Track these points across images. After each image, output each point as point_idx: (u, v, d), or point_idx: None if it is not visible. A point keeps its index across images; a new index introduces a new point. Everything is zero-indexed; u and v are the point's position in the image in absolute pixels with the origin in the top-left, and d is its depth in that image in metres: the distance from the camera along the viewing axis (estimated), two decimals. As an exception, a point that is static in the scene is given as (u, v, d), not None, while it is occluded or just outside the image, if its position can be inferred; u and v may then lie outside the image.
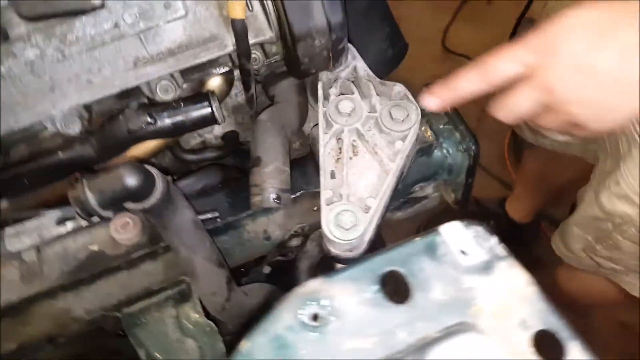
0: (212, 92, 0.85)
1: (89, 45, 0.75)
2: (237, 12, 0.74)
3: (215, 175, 0.96)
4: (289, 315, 0.50)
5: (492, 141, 2.20)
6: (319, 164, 0.85)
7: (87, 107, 0.80)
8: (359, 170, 0.84)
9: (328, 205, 0.79)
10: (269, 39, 0.81)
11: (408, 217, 1.14)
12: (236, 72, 0.94)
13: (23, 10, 0.70)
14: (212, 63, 0.83)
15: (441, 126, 0.99)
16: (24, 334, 0.91)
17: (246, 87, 0.88)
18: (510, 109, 0.70)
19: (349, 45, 0.90)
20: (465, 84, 0.71)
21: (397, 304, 0.50)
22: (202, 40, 0.78)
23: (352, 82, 0.91)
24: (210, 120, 0.83)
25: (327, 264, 0.96)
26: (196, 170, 0.97)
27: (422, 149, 0.98)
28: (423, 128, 0.97)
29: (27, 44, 0.73)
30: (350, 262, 0.82)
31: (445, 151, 0.99)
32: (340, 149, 0.85)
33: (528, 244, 2.03)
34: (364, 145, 0.85)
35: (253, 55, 0.83)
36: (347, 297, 0.50)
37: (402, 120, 0.84)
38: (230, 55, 0.83)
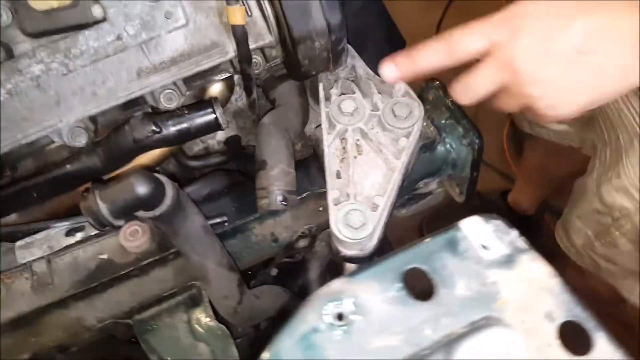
0: (215, 99, 0.86)
1: (93, 58, 0.75)
2: (237, 18, 0.75)
3: (220, 180, 0.97)
4: (314, 316, 0.50)
5: (491, 133, 2.21)
6: (322, 164, 0.86)
7: (93, 119, 0.81)
8: (365, 169, 0.84)
9: (336, 205, 0.80)
10: (269, 43, 0.82)
11: (412, 213, 1.15)
12: (236, 77, 0.95)
13: (27, 27, 0.71)
14: (214, 70, 0.84)
15: (443, 121, 0.99)
16: (36, 344, 0.92)
17: (248, 91, 0.88)
18: (470, 88, 0.70)
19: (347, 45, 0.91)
20: (430, 55, 0.71)
21: (421, 300, 0.50)
22: (204, 47, 0.79)
23: (352, 81, 0.92)
24: (214, 126, 0.84)
25: (336, 264, 0.97)
26: (201, 176, 0.98)
27: (425, 145, 0.98)
28: (425, 124, 0.98)
29: (32, 60, 0.73)
30: (360, 260, 0.83)
31: (448, 146, 1.00)
32: (344, 148, 0.86)
33: (532, 236, 2.04)
34: (368, 144, 0.86)
35: (254, 60, 0.84)
36: (371, 296, 0.51)
37: (405, 117, 0.85)
38: (231, 61, 0.83)
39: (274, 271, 1.05)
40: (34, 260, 0.91)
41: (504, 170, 2.23)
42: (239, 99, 1.00)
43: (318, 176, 0.96)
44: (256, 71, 0.85)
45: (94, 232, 0.92)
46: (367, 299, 0.51)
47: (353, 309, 0.51)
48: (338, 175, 0.84)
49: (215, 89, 0.92)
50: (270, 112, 0.92)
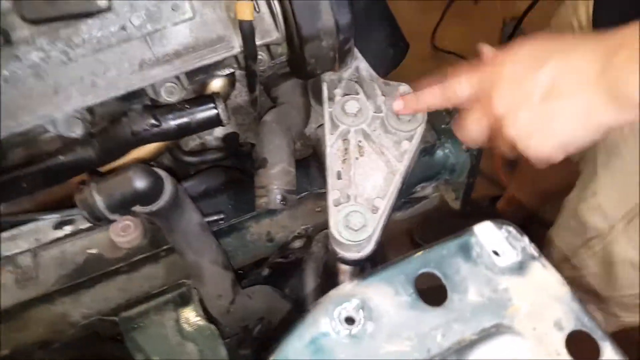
0: (217, 94, 0.84)
1: (95, 48, 0.73)
2: (246, 13, 0.73)
3: (217, 177, 0.95)
4: (324, 319, 0.49)
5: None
6: (323, 164, 0.85)
7: (90, 110, 0.78)
8: (366, 170, 0.84)
9: (336, 206, 0.79)
10: (276, 40, 0.80)
11: (407, 217, 1.14)
12: (237, 74, 0.93)
13: (26, 13, 0.68)
14: (218, 65, 0.82)
15: (443, 126, 0.99)
16: (17, 340, 0.89)
17: (251, 88, 0.87)
18: (464, 130, 0.77)
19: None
20: (430, 98, 0.80)
21: (433, 306, 0.49)
22: (209, 41, 0.77)
23: (356, 82, 0.91)
24: (215, 122, 0.82)
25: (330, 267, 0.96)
26: (198, 172, 0.96)
27: (425, 149, 0.98)
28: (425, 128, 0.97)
29: (31, 47, 0.70)
30: (356, 263, 0.82)
31: (447, 151, 1.00)
32: (346, 149, 0.85)
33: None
34: (370, 145, 0.85)
35: (259, 57, 0.82)
36: (382, 300, 0.50)
37: (409, 120, 0.85)
38: (236, 57, 0.81)
39: (266, 271, 1.04)
40: (19, 253, 0.89)
41: (491, 175, 2.23)
42: (239, 95, 0.98)
43: (317, 176, 0.95)
44: (261, 68, 0.84)
45: (84, 225, 0.90)
46: (378, 304, 0.50)
47: (364, 313, 0.50)
48: (339, 176, 0.83)
49: (217, 84, 0.90)
50: (272, 109, 0.90)
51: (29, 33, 0.71)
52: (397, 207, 1.08)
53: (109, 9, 0.71)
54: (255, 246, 0.94)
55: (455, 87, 0.75)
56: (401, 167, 0.82)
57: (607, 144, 1.07)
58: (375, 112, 0.86)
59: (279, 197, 0.82)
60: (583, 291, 1.25)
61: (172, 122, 0.81)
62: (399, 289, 0.51)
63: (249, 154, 1.02)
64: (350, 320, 0.50)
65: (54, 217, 0.91)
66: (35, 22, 0.70)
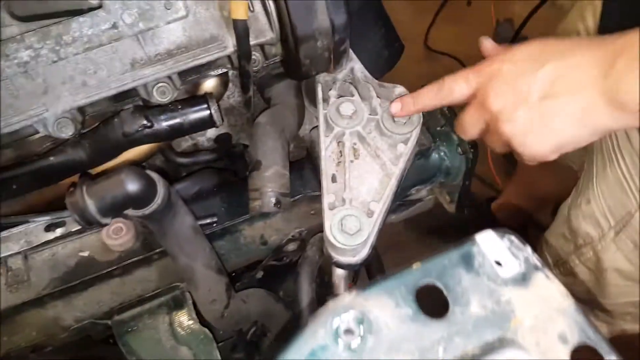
0: (210, 94, 0.83)
1: (85, 47, 0.71)
2: (240, 12, 0.72)
3: (210, 178, 0.94)
4: (323, 331, 0.48)
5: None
6: (318, 167, 0.84)
7: (81, 110, 0.77)
8: (361, 173, 0.82)
9: (331, 210, 0.78)
10: (270, 40, 0.79)
11: (401, 220, 1.13)
12: (230, 74, 0.92)
13: (16, 10, 0.67)
14: (211, 65, 0.81)
15: (438, 128, 0.98)
16: (9, 344, 0.88)
17: (244, 89, 0.85)
18: (462, 126, 0.78)
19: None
20: (427, 98, 0.80)
21: (434, 318, 0.48)
22: (202, 41, 0.76)
23: (350, 83, 0.90)
24: (208, 123, 0.81)
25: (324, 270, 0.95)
26: (191, 173, 0.95)
27: (420, 152, 0.97)
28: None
29: (21, 45, 0.69)
30: (351, 267, 0.81)
31: (442, 154, 0.99)
32: (341, 152, 0.84)
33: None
34: (365, 148, 0.84)
35: (253, 57, 0.81)
36: (383, 312, 0.49)
37: (404, 123, 0.84)
38: (229, 56, 0.80)
39: (260, 273, 1.02)
40: (9, 256, 0.87)
41: (484, 175, 2.23)
42: (232, 95, 0.97)
43: (312, 179, 0.94)
44: (255, 68, 0.83)
45: (75, 227, 0.89)
46: (378, 316, 0.49)
47: (363, 325, 0.48)
48: (334, 179, 0.82)
49: (209, 84, 0.89)
50: (266, 111, 0.89)
51: (18, 31, 0.70)
52: (391, 209, 1.07)
53: (100, 6, 0.70)
54: (248, 249, 0.93)
55: (452, 86, 0.75)
56: (397, 171, 0.81)
57: (603, 154, 1.06)
58: (370, 115, 0.85)
59: (273, 200, 0.81)
60: (576, 297, 1.25)
61: (164, 123, 0.80)
62: (400, 301, 0.49)
63: (242, 155, 1.01)
64: (349, 333, 0.48)
65: (45, 219, 0.89)
66: (25, 19, 0.69)
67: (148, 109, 0.80)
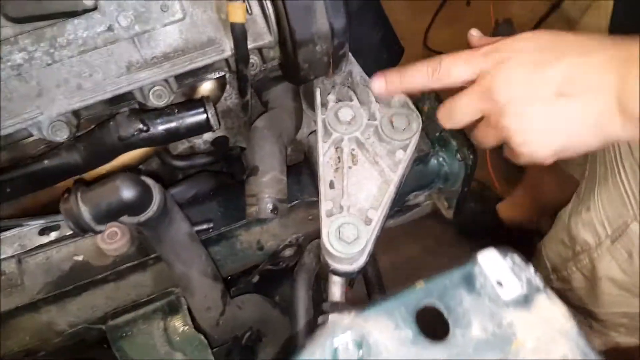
0: (207, 98, 0.82)
1: (80, 49, 0.70)
2: (238, 15, 0.71)
3: (206, 182, 0.93)
4: (321, 353, 0.47)
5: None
6: (315, 172, 0.83)
7: (76, 113, 0.76)
8: (359, 180, 0.81)
9: (329, 217, 0.77)
10: (268, 43, 0.78)
11: (397, 225, 1.13)
12: (227, 76, 0.91)
13: (9, 11, 0.65)
14: (208, 68, 0.80)
15: (437, 134, 0.97)
16: (2, 348, 0.87)
17: (242, 92, 0.84)
18: (453, 112, 0.71)
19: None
20: (418, 76, 0.72)
21: (434, 341, 0.47)
22: (199, 44, 0.75)
23: (349, 87, 0.89)
24: (205, 127, 0.80)
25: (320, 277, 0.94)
26: (187, 177, 0.94)
27: (419, 158, 0.96)
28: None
29: (14, 47, 0.68)
30: (348, 275, 0.80)
31: (441, 159, 0.98)
32: (339, 158, 0.82)
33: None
34: (363, 154, 0.83)
35: (251, 60, 0.79)
36: (382, 334, 0.47)
37: (403, 129, 0.82)
38: (227, 60, 0.79)
39: (256, 277, 1.01)
40: (3, 259, 0.86)
41: (483, 180, 2.22)
42: (229, 98, 0.96)
43: (309, 184, 0.93)
44: (252, 72, 0.81)
45: (70, 231, 0.87)
46: (378, 338, 0.47)
47: (363, 348, 0.47)
48: (332, 185, 0.81)
49: (206, 87, 0.88)
50: (264, 115, 0.88)
51: (12, 32, 0.68)
52: (388, 215, 1.07)
53: (95, 8, 0.68)
54: (245, 255, 0.92)
55: (450, 67, 0.69)
56: (395, 178, 0.80)
57: (606, 163, 1.06)
58: (369, 120, 0.84)
59: (270, 206, 0.80)
60: (570, 305, 1.25)
61: (161, 127, 0.79)
62: (400, 323, 0.48)
63: (239, 158, 1.00)
64: (349, 356, 0.47)
65: (39, 223, 0.88)
66: (18, 21, 0.67)
67: (144, 112, 0.79)
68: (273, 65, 0.87)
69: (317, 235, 0.80)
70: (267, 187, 0.81)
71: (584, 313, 1.22)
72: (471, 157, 0.94)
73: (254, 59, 0.81)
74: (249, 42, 0.75)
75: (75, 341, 0.93)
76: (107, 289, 0.88)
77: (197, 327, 0.90)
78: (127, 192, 0.68)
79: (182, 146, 1.00)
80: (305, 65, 0.79)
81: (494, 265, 0.51)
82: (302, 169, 0.95)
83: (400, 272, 1.81)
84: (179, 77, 0.78)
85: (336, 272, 0.80)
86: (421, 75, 0.72)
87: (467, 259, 0.51)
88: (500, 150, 0.72)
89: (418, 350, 0.47)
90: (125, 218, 0.72)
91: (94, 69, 0.72)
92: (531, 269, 0.50)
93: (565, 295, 1.24)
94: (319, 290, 0.98)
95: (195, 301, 0.86)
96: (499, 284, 0.50)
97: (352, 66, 0.91)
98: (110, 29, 0.70)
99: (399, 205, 1.02)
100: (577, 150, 0.65)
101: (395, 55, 1.05)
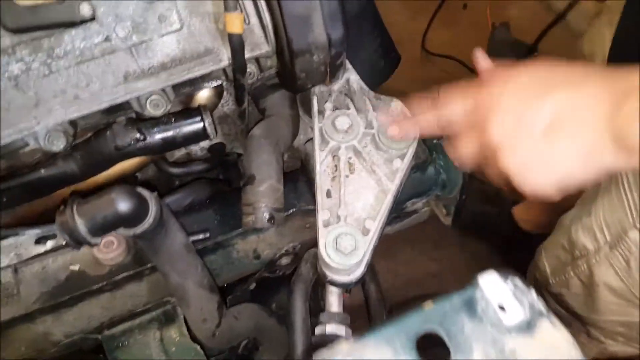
0: (204, 107, 0.82)
1: (78, 60, 0.70)
2: (235, 26, 0.71)
3: (203, 190, 0.93)
4: None
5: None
6: (311, 179, 0.82)
7: (73, 123, 0.75)
8: (356, 188, 0.81)
9: (325, 227, 0.77)
10: (265, 53, 0.78)
11: (395, 231, 1.12)
12: (225, 83, 0.90)
13: (7, 22, 0.65)
14: (205, 77, 0.79)
15: (435, 141, 0.97)
16: (-2, 359, 0.86)
17: (239, 101, 0.84)
18: (458, 153, 0.72)
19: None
20: (423, 125, 0.77)
21: None
22: (197, 54, 0.74)
23: (346, 95, 0.89)
24: (202, 136, 0.80)
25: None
26: (183, 185, 0.94)
27: (416, 165, 0.96)
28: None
29: (12, 57, 0.68)
30: (345, 285, 0.80)
31: (439, 167, 0.98)
32: (336, 166, 0.82)
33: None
34: (361, 162, 0.83)
35: (248, 70, 0.79)
36: None
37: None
38: (224, 69, 0.79)
39: (253, 285, 1.01)
40: (-1, 269, 0.85)
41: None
42: (226, 104, 0.95)
43: (306, 192, 0.93)
44: (250, 81, 0.81)
45: (66, 240, 0.87)
46: (377, 367, 0.47)
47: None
48: (329, 195, 0.80)
49: (203, 94, 0.88)
50: (260, 123, 0.88)
51: (9, 43, 0.68)
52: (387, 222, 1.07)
53: (93, 18, 0.68)
54: (241, 263, 0.91)
55: (448, 113, 0.71)
56: (393, 187, 0.80)
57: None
58: (366, 129, 0.84)
59: (266, 215, 0.80)
60: (567, 311, 1.24)
61: (157, 136, 0.79)
62: (399, 350, 0.47)
63: (236, 164, 1.00)
64: None
65: (35, 232, 0.88)
66: (16, 31, 0.67)
67: (141, 121, 0.79)
68: (270, 74, 0.87)
69: (314, 243, 0.79)
70: (264, 196, 0.81)
71: (582, 320, 1.22)
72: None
73: (251, 68, 0.81)
74: (246, 52, 0.75)
75: (72, 351, 0.92)
76: (103, 299, 0.88)
77: (193, 337, 0.89)
78: (123, 205, 0.67)
79: (178, 153, 0.99)
80: (303, 74, 0.79)
81: (496, 289, 0.50)
82: (298, 176, 0.94)
83: (399, 278, 1.80)
84: (176, 87, 0.78)
85: (333, 283, 0.80)
86: (427, 125, 0.76)
87: (469, 283, 0.51)
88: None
89: (419, 379, 0.46)
90: (121, 230, 0.71)
91: (91, 79, 0.72)
92: (533, 293, 0.50)
93: (564, 300, 1.24)
94: (317, 298, 0.98)
95: (191, 313, 0.85)
96: (501, 308, 0.49)
97: (350, 73, 0.91)
98: (107, 39, 0.70)
99: (396, 212, 1.02)
100: (577, 183, 0.64)
101: (393, 63, 1.05)
